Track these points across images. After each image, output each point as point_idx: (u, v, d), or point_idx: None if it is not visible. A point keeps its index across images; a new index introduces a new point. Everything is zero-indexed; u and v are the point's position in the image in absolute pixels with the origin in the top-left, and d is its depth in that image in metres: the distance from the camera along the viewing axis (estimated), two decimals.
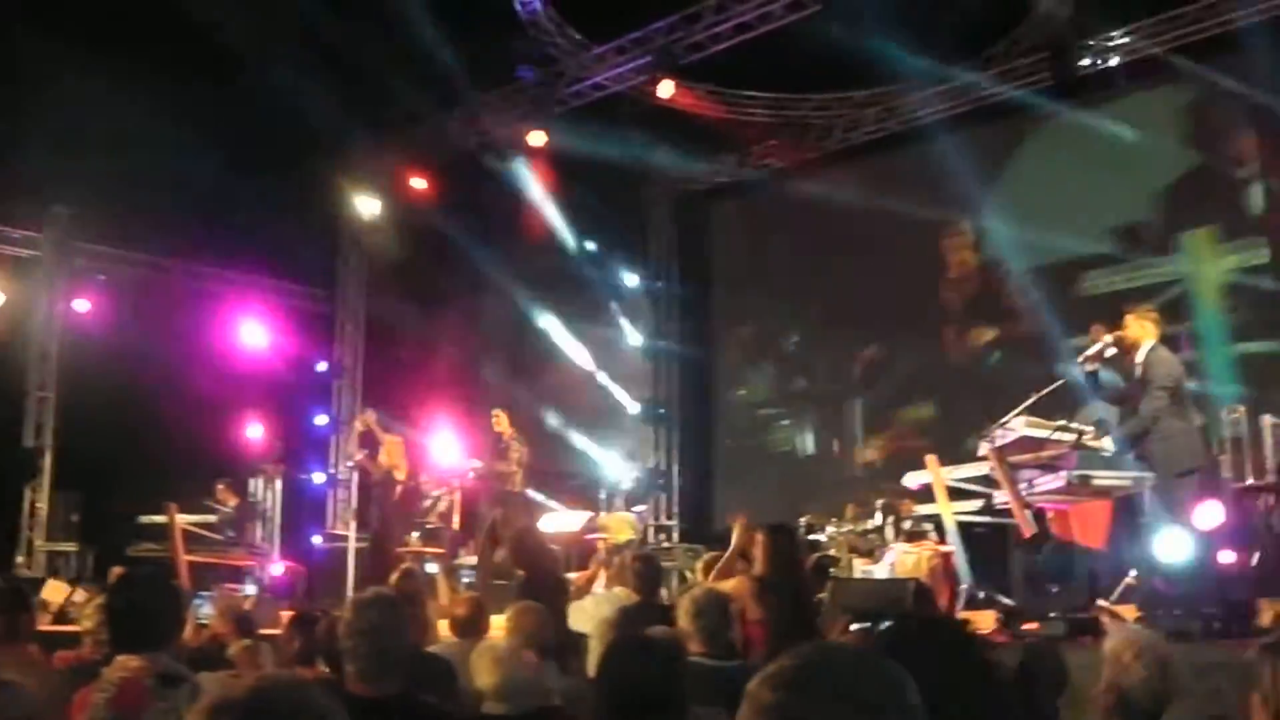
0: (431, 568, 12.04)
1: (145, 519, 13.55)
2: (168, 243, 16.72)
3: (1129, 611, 7.50)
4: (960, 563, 9.56)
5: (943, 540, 10.05)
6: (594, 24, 15.56)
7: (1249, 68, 13.80)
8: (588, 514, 14.58)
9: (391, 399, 16.20)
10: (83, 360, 15.52)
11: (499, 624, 6.45)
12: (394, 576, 8.00)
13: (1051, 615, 7.67)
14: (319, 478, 17.91)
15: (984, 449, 8.76)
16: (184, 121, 13.95)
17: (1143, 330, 8.84)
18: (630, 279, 18.61)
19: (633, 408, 18.38)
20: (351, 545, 13.56)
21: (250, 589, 13.66)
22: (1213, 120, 14.36)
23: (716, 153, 18.24)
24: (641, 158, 17.32)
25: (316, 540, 16.29)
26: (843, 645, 1.74)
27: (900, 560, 10.58)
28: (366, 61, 14.46)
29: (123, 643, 3.90)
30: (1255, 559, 7.96)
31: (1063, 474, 8.22)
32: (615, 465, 17.10)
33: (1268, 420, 10.02)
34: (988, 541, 9.74)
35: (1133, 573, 8.09)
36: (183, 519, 13.07)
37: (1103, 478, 8.34)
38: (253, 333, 17.41)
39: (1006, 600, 8.73)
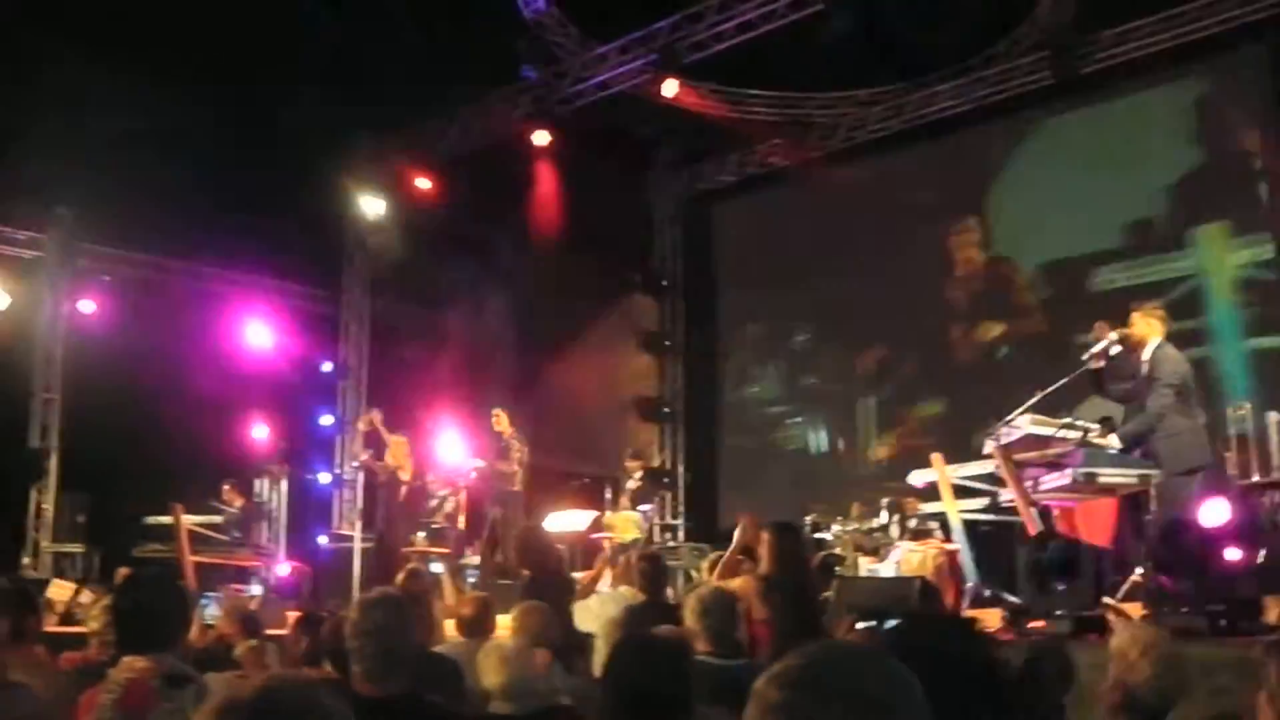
0: (437, 567, 12.04)
1: (151, 520, 13.56)
2: (172, 243, 16.70)
3: (1135, 609, 7.50)
4: (966, 561, 9.57)
5: (948, 538, 10.06)
6: (597, 23, 15.56)
7: (1248, 65, 13.82)
8: (593, 513, 14.58)
9: (396, 399, 16.19)
10: (88, 361, 15.51)
11: (505, 624, 6.46)
12: (400, 576, 8.01)
13: (1058, 613, 7.66)
14: (324, 478, 17.91)
15: (989, 447, 8.76)
16: (188, 122, 13.96)
17: (1149, 328, 8.82)
18: (637, 278, 18.61)
19: (638, 407, 18.38)
20: (357, 545, 13.57)
21: (256, 589, 13.68)
22: (1222, 114, 14.34)
23: (720, 152, 18.25)
24: (647, 156, 17.32)
25: (322, 540, 16.29)
26: (849, 644, 1.74)
27: (906, 558, 10.60)
28: (370, 61, 14.46)
29: (129, 644, 3.91)
30: (1261, 556, 7.94)
31: (1068, 471, 8.21)
32: (620, 463, 17.08)
33: (1274, 417, 10.02)
34: (993, 539, 9.74)
35: (1139, 570, 8.08)
36: (188, 520, 13.08)
37: (1108, 475, 8.33)
38: (257, 333, 17.40)
39: (1012, 598, 8.72)
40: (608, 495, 15.52)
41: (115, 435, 14.48)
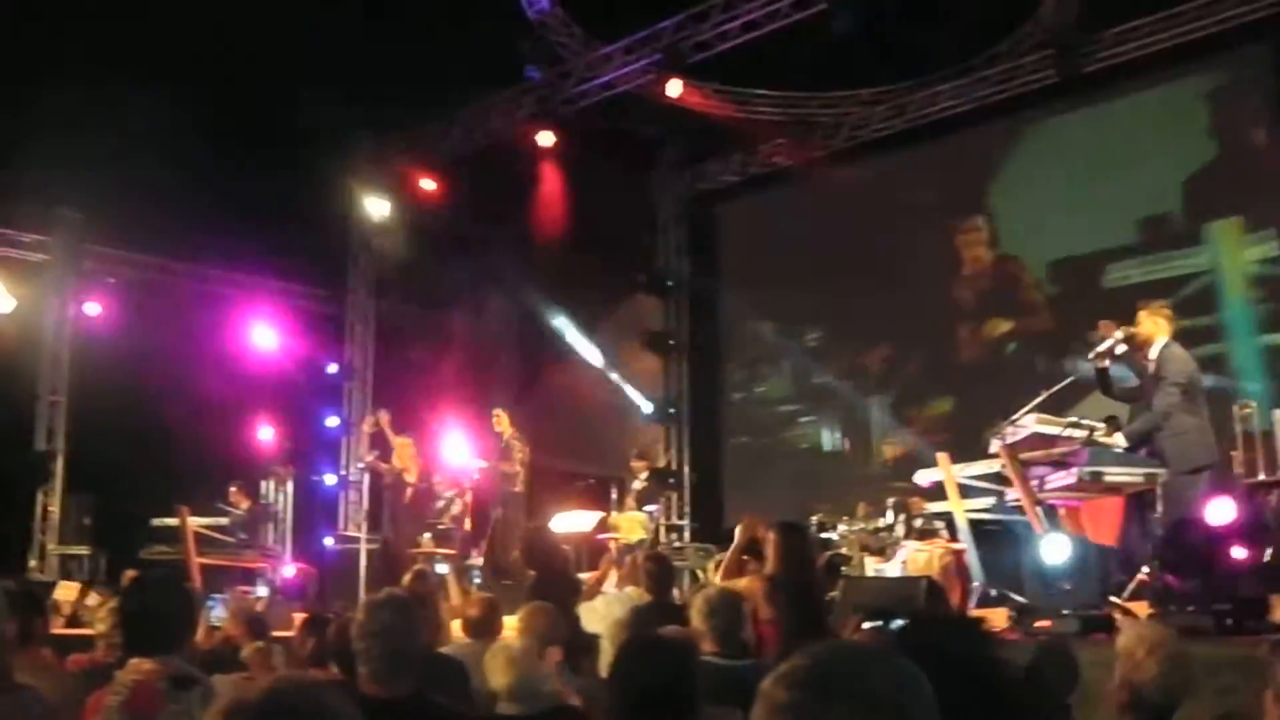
0: (442, 568, 12.04)
1: (157, 522, 13.58)
2: (177, 245, 16.73)
3: (1141, 608, 7.49)
4: (972, 560, 9.55)
5: (954, 538, 10.04)
6: (601, 23, 15.57)
7: (1254, 63, 13.79)
8: (599, 514, 14.58)
9: (401, 400, 16.20)
10: (94, 364, 15.53)
11: (511, 624, 6.46)
12: (406, 578, 8.01)
13: (1064, 612, 7.64)
14: (330, 480, 17.93)
15: (995, 446, 8.75)
16: (192, 124, 13.98)
17: (1155, 327, 8.80)
18: (641, 278, 18.61)
19: (644, 407, 18.38)
20: (363, 547, 13.57)
21: (262, 591, 13.69)
22: (1234, 110, 14.29)
23: (724, 152, 18.24)
24: (651, 156, 17.32)
25: (328, 542, 16.30)
26: (856, 644, 1.74)
27: (912, 558, 10.58)
28: (374, 62, 14.47)
29: (136, 646, 3.91)
30: (1268, 555, 7.94)
31: (1074, 470, 8.20)
32: (626, 464, 17.08)
33: (1279, 415, 9.99)
34: (1000, 539, 9.72)
35: (1145, 569, 8.07)
36: (194, 522, 13.11)
37: (1114, 474, 8.32)
38: (263, 335, 17.43)
39: (1018, 598, 8.71)
40: (613, 496, 15.52)
41: (121, 437, 14.50)
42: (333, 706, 1.80)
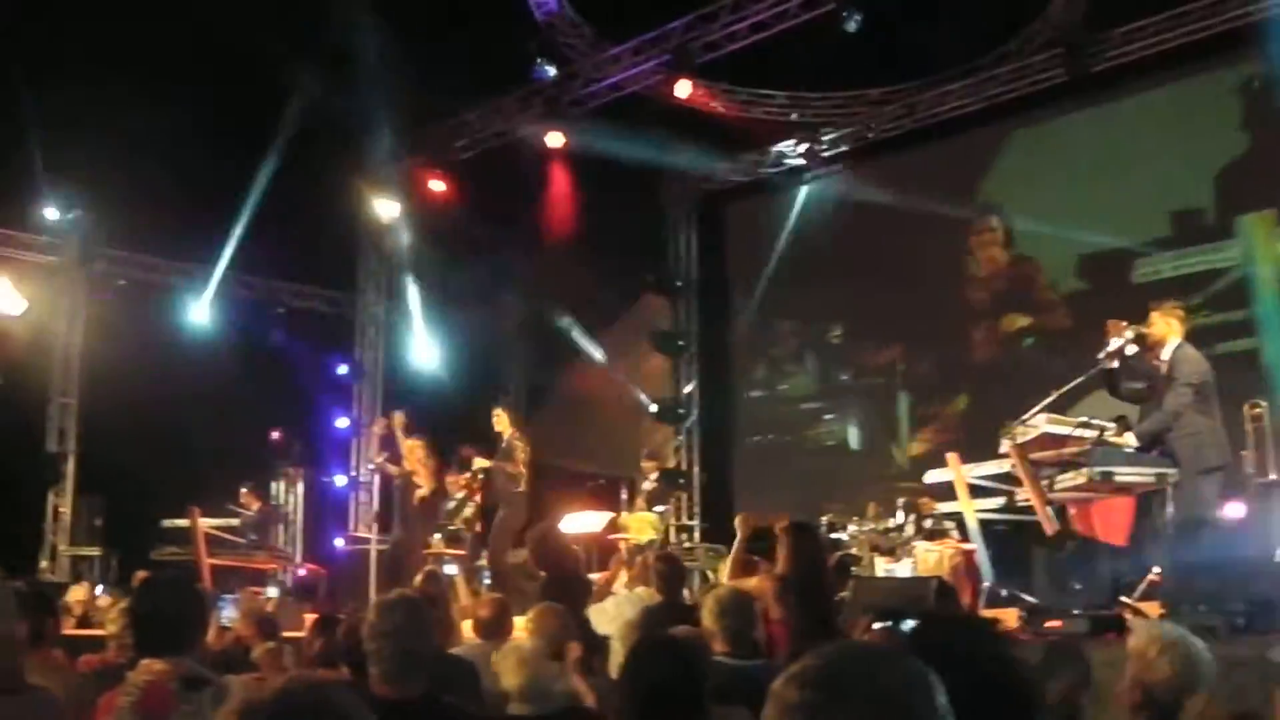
0: (451, 569, 12.05)
1: (168, 523, 13.61)
2: (187, 247, 16.76)
3: (1152, 608, 7.47)
4: (982, 560, 9.54)
5: (965, 538, 10.04)
6: (610, 24, 15.57)
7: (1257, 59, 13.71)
8: (609, 514, 14.58)
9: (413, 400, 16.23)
10: (104, 365, 15.56)
11: (521, 625, 6.46)
12: (417, 579, 8.02)
13: (1075, 612, 7.64)
14: (341, 481, 17.95)
15: (1005, 446, 8.74)
16: (202, 126, 14.01)
17: (1168, 327, 8.77)
18: (650, 279, 18.60)
19: (653, 407, 18.38)
20: (374, 548, 13.58)
21: (273, 592, 13.71)
22: (1267, 102, 14.17)
23: (734, 152, 18.23)
24: (659, 157, 17.32)
25: (339, 543, 16.33)
26: (868, 644, 1.74)
27: (922, 558, 10.58)
28: (383, 64, 14.48)
29: (147, 646, 3.91)
30: (1278, 554, 7.93)
31: (1085, 470, 8.19)
32: (636, 465, 17.08)
33: None
34: (1010, 539, 9.71)
35: (1156, 569, 8.06)
36: (205, 523, 13.14)
37: (1125, 474, 8.31)
38: (273, 336, 17.45)
39: (1029, 598, 8.70)
40: (623, 496, 15.52)
41: (132, 439, 14.53)
42: (345, 706, 1.80)
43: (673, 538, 15.74)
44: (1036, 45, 15.12)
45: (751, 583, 6.61)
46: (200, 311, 16.96)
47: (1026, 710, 2.27)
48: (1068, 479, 8.33)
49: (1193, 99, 14.64)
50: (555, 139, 16.05)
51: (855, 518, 12.57)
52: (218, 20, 13.25)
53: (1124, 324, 8.87)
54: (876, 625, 6.66)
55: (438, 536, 13.34)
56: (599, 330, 18.01)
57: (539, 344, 18.28)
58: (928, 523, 11.45)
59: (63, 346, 16.16)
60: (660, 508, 14.99)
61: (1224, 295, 13.88)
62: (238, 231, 16.16)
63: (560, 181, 16.77)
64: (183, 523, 13.21)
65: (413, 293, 17.81)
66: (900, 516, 11.86)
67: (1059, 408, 8.92)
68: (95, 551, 15.15)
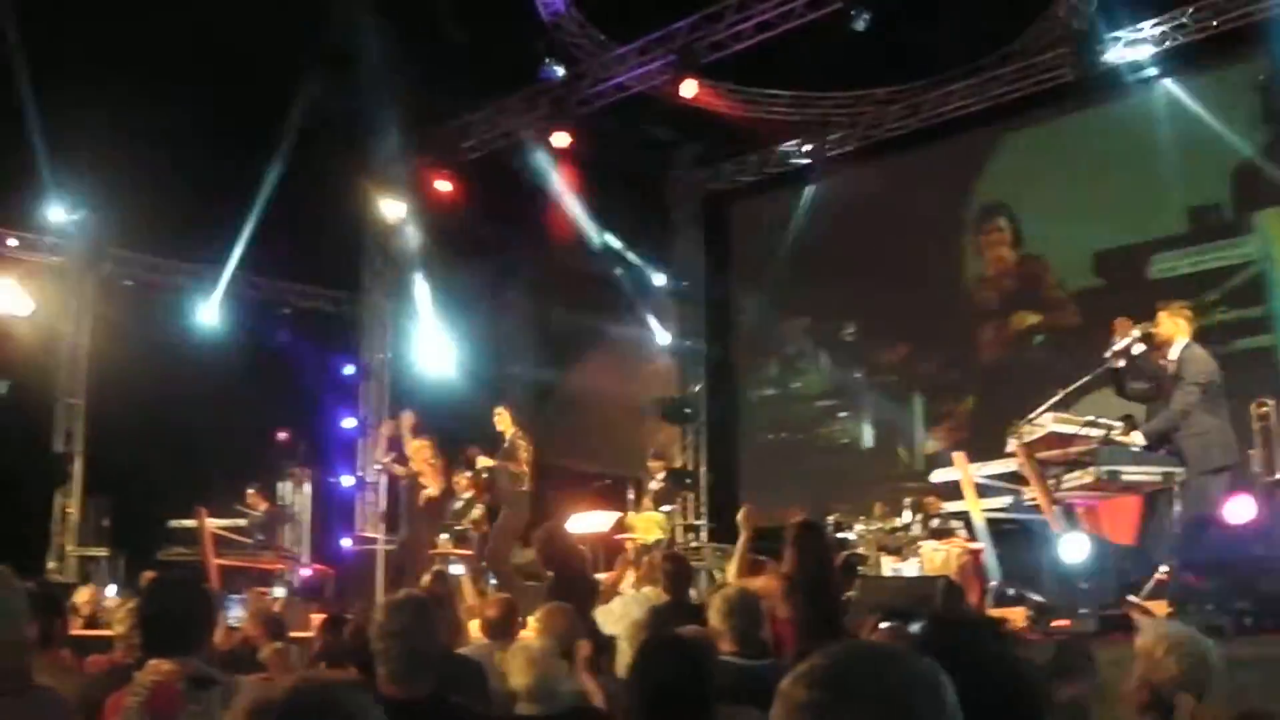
0: (458, 569, 12.06)
1: (175, 523, 13.63)
2: (193, 247, 16.77)
3: (1160, 607, 7.47)
4: (990, 560, 9.53)
5: (972, 537, 10.03)
6: (616, 24, 15.57)
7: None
8: (616, 514, 14.58)
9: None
10: (112, 366, 15.57)
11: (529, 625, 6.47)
12: (425, 578, 8.03)
13: (1082, 612, 7.63)
14: (347, 481, 17.96)
15: (1012, 445, 8.73)
16: (210, 126, 14.02)
17: (1175, 327, 8.76)
18: (657, 279, 18.61)
19: (660, 407, 18.38)
20: (380, 548, 13.58)
21: (280, 592, 13.72)
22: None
23: (739, 152, 18.24)
24: (666, 157, 17.32)
25: (346, 543, 16.34)
26: (876, 644, 1.74)
27: (929, 557, 10.58)
28: (390, 64, 14.49)
29: (154, 647, 3.91)
30: None
31: (1092, 469, 8.18)
32: (643, 465, 17.09)
33: None
34: (1017, 538, 9.70)
35: (1163, 568, 8.05)
36: (212, 523, 13.15)
37: (1132, 473, 8.30)
38: (279, 336, 17.47)
39: (1036, 597, 8.69)
40: (630, 496, 15.52)
41: (139, 439, 14.54)
42: (355, 706, 1.81)
43: (679, 537, 15.76)
44: (1042, 44, 15.10)
45: (758, 582, 6.61)
46: (207, 312, 16.97)
47: (1034, 709, 2.28)
48: (1075, 478, 8.32)
49: (1206, 95, 14.54)
50: (561, 139, 16.04)
51: (862, 517, 12.58)
52: (224, 21, 13.26)
53: (1131, 323, 8.87)
54: (883, 625, 6.67)
55: (445, 537, 13.35)
56: (604, 329, 18.00)
57: (545, 344, 18.28)
58: (934, 522, 11.45)
59: (70, 347, 16.18)
60: (667, 507, 14.99)
61: (1241, 291, 13.85)
62: (244, 232, 16.17)
63: (566, 181, 16.77)
64: (190, 523, 13.23)
65: (419, 293, 17.80)
66: (907, 516, 11.86)
67: (1066, 406, 8.91)
68: (103, 552, 15.17)
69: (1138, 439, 8.49)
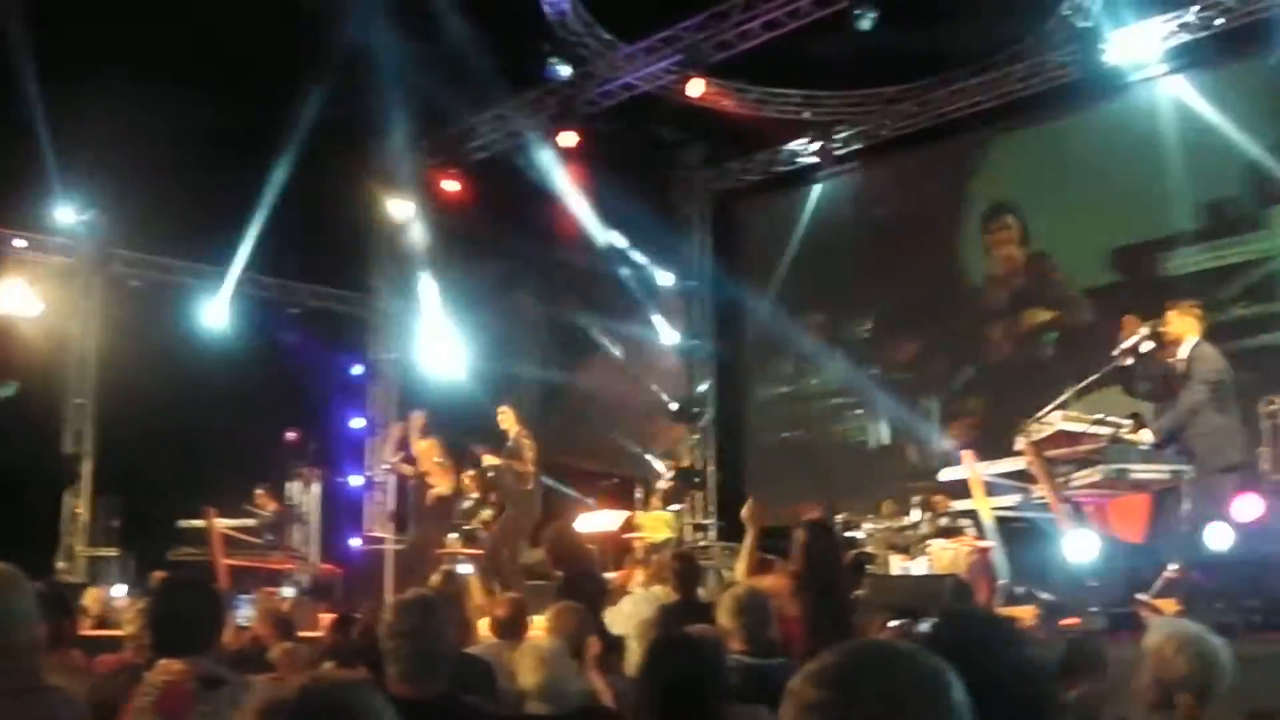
0: (465, 569, 12.07)
1: (184, 523, 13.65)
2: (202, 248, 16.79)
3: (1169, 605, 7.46)
4: (999, 558, 9.53)
5: (981, 536, 10.03)
6: (622, 24, 15.57)
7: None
8: (625, 513, 14.59)
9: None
10: (120, 366, 15.59)
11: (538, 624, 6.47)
12: (435, 578, 8.03)
13: (1091, 610, 7.63)
14: (357, 481, 17.97)
15: (1020, 443, 8.72)
16: (217, 127, 14.04)
17: (1185, 325, 8.75)
18: (664, 278, 18.61)
19: (670, 405, 18.38)
20: (389, 548, 13.60)
21: (289, 592, 13.73)
22: None
23: (747, 151, 18.24)
24: (673, 157, 17.32)
25: (355, 543, 16.35)
26: (886, 641, 1.74)
27: (938, 556, 10.59)
28: (396, 64, 14.50)
29: (164, 647, 3.92)
30: None
31: (1100, 468, 8.18)
32: (651, 464, 17.10)
33: None
34: (1026, 536, 9.70)
35: (1172, 566, 8.04)
36: (221, 523, 13.17)
37: (1140, 471, 8.30)
38: (287, 336, 17.48)
39: (1045, 595, 8.69)
40: (638, 495, 15.53)
41: (147, 440, 14.56)
42: (367, 705, 1.81)
43: (688, 536, 15.76)
44: (1049, 42, 15.07)
45: (768, 581, 6.61)
46: (215, 313, 16.98)
47: (1044, 708, 2.27)
48: (1083, 476, 8.32)
49: (1215, 92, 14.47)
50: (568, 139, 16.04)
51: (870, 516, 12.58)
52: (231, 22, 13.29)
53: (1140, 321, 8.86)
54: (891, 623, 6.67)
55: (454, 536, 13.36)
56: (613, 329, 18.01)
57: (553, 343, 18.29)
58: (943, 521, 11.45)
59: (78, 348, 16.20)
60: (675, 506, 15.00)
61: (1258, 287, 13.82)
62: (252, 233, 16.18)
63: (573, 181, 16.77)
64: (199, 523, 13.24)
65: (427, 293, 17.82)
66: (915, 515, 11.87)
67: (1075, 405, 8.90)
68: (112, 552, 15.19)
69: (1146, 437, 8.48)
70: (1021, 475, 8.99)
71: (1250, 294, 13.89)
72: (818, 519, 7.50)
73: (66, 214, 15.83)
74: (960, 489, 10.28)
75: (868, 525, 12.38)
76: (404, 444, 14.35)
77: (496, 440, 13.27)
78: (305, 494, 15.98)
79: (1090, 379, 9.09)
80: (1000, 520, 9.60)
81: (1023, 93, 15.71)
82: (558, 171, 16.67)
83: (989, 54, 15.49)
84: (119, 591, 13.30)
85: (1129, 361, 8.81)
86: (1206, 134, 14.16)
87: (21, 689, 3.52)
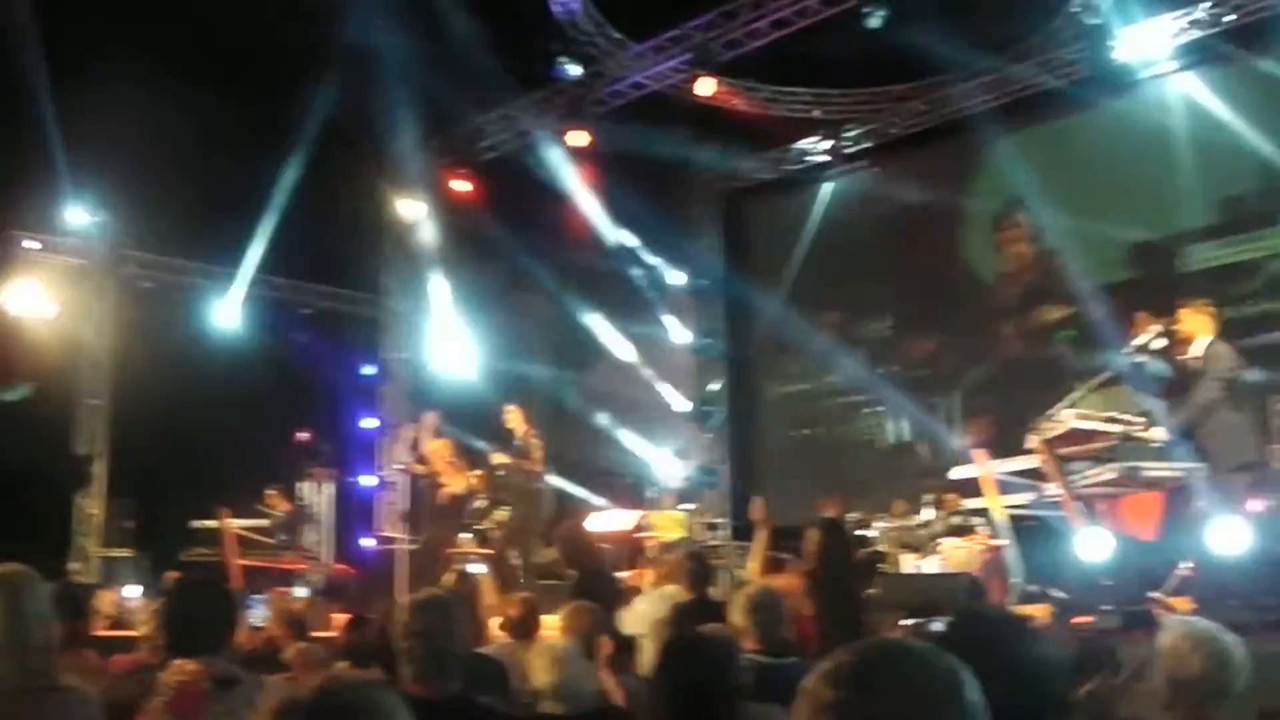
0: (477, 568, 12.07)
1: (197, 524, 13.68)
2: (214, 249, 16.82)
3: (1183, 603, 7.45)
4: (1011, 557, 9.52)
5: (993, 534, 10.02)
6: (632, 23, 15.57)
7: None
8: (637, 513, 14.59)
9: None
10: (133, 367, 15.63)
11: (550, 624, 6.47)
12: (448, 577, 8.04)
13: (1104, 608, 7.62)
14: (369, 481, 17.99)
15: (1032, 441, 8.71)
16: (230, 128, 14.06)
17: (1199, 324, 8.72)
18: (675, 277, 18.60)
19: (680, 405, 18.38)
20: (401, 548, 13.61)
21: (301, 592, 13.76)
22: None
23: (757, 150, 18.22)
24: (683, 156, 17.32)
25: (367, 543, 16.38)
26: (901, 640, 1.73)
27: (951, 554, 10.57)
28: (408, 64, 14.52)
29: (178, 647, 3.94)
30: None
31: (1113, 465, 8.16)
32: (663, 463, 17.10)
33: None
34: (1039, 535, 9.69)
35: (1185, 564, 8.02)
36: (234, 523, 13.19)
37: (1153, 469, 8.29)
38: (299, 337, 17.51)
39: (1059, 594, 8.68)
40: (650, 495, 15.53)
41: (161, 441, 14.60)
42: (382, 705, 1.81)
43: (699, 535, 15.75)
44: (1059, 39, 15.03)
45: (781, 580, 6.62)
46: (227, 313, 17.01)
47: (1058, 706, 2.27)
48: (1096, 474, 8.31)
49: (1226, 89, 14.40)
50: (578, 138, 16.04)
51: (882, 515, 12.57)
52: (242, 23, 13.31)
53: (1152, 318, 8.85)
54: (904, 622, 6.67)
55: (468, 536, 13.38)
56: (624, 329, 18.00)
57: (564, 342, 18.30)
58: (955, 519, 11.44)
59: (91, 349, 16.24)
60: (687, 505, 14.99)
61: (1274, 283, 13.77)
62: (263, 234, 16.21)
63: (584, 181, 16.77)
64: (212, 524, 13.27)
65: (437, 292, 17.84)
66: (927, 513, 11.86)
67: (1087, 402, 8.89)
68: (126, 553, 15.22)
69: (1159, 434, 8.47)
70: (1034, 473, 8.98)
71: (1265, 290, 13.84)
72: (832, 517, 7.51)
73: (79, 216, 15.88)
74: (972, 487, 10.27)
75: (879, 524, 12.37)
76: (416, 444, 14.38)
77: (506, 440, 13.30)
78: (317, 494, 16.01)
79: (1103, 376, 9.08)
80: (1013, 518, 9.59)
81: (1032, 90, 15.67)
82: (568, 171, 16.68)
83: (998, 51, 15.44)
84: (133, 592, 13.32)
85: (1141, 359, 8.79)
86: (1218, 130, 14.09)
87: (37, 689, 3.54)
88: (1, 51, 13.20)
